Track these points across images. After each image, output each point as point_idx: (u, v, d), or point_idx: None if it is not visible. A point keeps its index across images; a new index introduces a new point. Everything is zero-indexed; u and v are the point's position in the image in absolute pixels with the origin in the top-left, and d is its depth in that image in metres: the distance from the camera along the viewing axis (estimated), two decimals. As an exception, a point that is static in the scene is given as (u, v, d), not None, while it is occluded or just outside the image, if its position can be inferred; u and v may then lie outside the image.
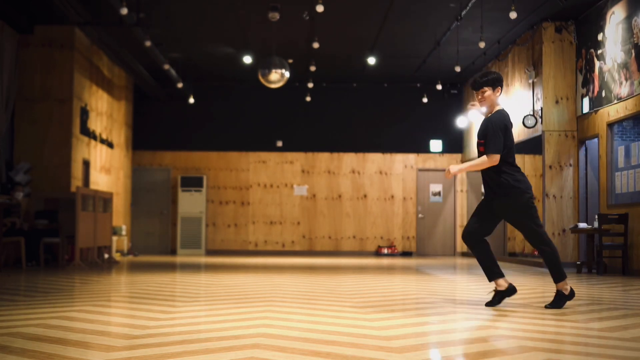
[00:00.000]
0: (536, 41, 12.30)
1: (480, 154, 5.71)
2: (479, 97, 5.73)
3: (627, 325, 4.61)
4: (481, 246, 5.73)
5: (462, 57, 13.84)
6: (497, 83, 5.71)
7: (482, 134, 5.70)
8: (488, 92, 5.70)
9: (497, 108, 5.74)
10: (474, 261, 14.12)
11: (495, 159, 5.55)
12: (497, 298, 5.68)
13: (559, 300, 5.56)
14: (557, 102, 11.96)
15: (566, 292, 5.58)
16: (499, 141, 5.57)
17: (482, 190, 5.93)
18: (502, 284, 5.67)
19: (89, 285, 7.71)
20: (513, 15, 10.01)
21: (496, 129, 5.58)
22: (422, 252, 17.44)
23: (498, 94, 5.73)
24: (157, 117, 17.39)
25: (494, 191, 5.65)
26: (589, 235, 10.62)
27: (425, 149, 17.52)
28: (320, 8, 9.65)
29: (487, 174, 5.68)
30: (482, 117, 5.87)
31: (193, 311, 5.24)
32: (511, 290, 5.68)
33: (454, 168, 5.70)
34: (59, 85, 12.40)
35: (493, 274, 5.71)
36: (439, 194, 17.56)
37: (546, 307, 5.56)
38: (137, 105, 17.19)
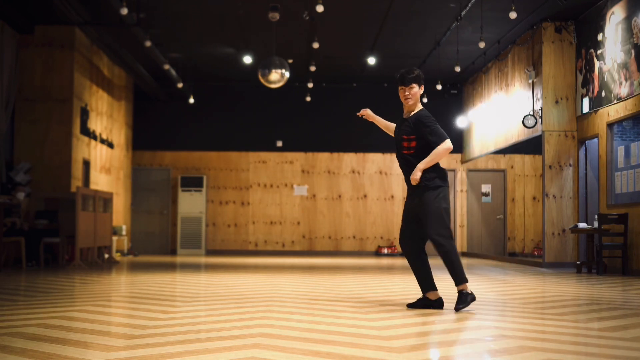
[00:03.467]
0: (536, 41, 12.30)
1: (406, 150, 5.49)
2: (406, 93, 5.56)
3: (627, 325, 4.61)
4: (419, 257, 5.60)
5: (462, 57, 13.85)
6: (422, 80, 5.59)
7: (412, 131, 5.50)
8: (415, 88, 5.55)
9: (419, 107, 5.63)
10: (473, 261, 14.10)
11: (449, 143, 5.41)
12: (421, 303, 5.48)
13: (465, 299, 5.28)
14: (557, 102, 11.96)
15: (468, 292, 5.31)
16: (440, 129, 5.46)
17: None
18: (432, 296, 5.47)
19: (89, 285, 7.71)
20: (513, 15, 10.02)
21: (430, 120, 5.48)
22: (422, 252, 17.41)
23: (422, 91, 5.62)
24: (157, 117, 17.39)
25: (415, 187, 5.41)
26: (588, 235, 10.63)
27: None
28: (320, 8, 9.65)
29: (409, 170, 5.46)
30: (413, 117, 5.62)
31: (193, 311, 5.25)
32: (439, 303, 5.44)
33: (417, 174, 5.36)
34: (59, 85, 12.40)
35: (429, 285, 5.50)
36: (439, 194, 17.51)
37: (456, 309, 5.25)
38: (137, 105, 17.20)
